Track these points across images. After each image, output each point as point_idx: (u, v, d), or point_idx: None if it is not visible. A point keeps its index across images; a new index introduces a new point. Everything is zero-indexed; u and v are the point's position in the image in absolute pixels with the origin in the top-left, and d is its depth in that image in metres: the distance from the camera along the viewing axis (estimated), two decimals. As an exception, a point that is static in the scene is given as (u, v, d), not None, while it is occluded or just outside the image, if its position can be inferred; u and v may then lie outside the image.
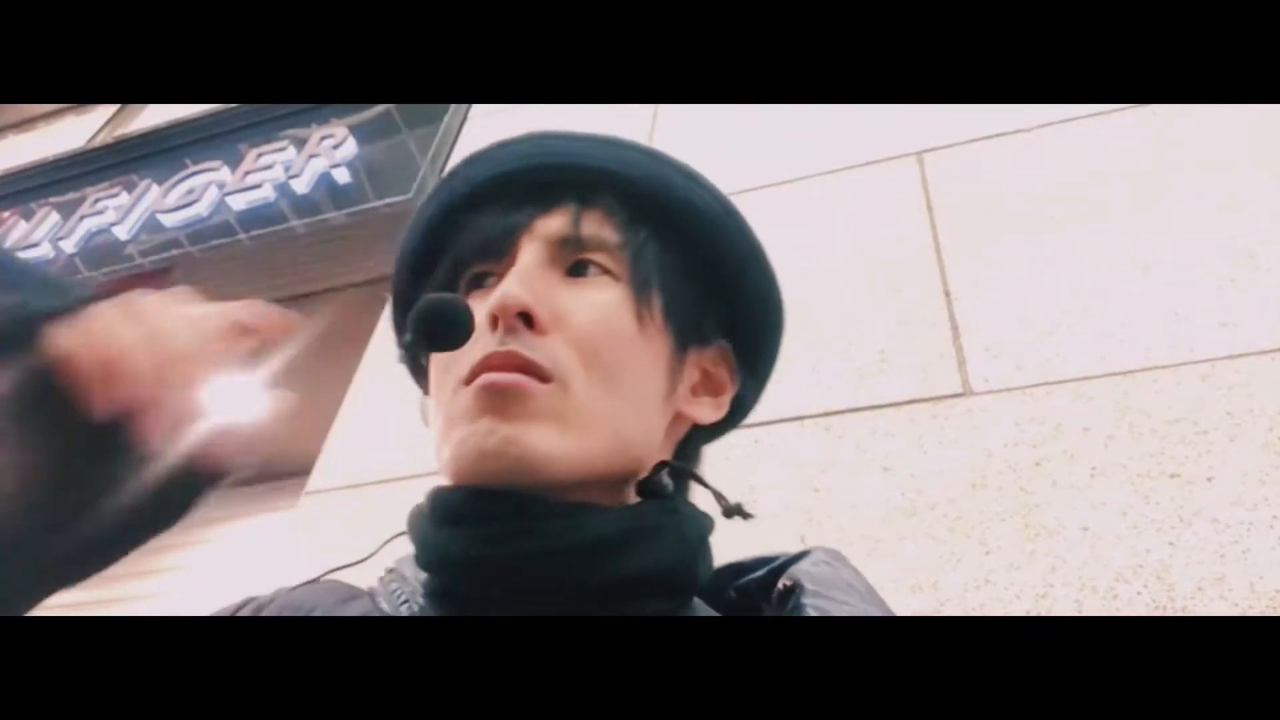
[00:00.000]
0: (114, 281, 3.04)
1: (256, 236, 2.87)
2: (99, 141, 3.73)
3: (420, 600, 0.55)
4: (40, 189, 3.48)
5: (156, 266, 3.00)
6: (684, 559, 0.56)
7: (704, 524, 0.59)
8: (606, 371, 0.55)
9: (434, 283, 0.61)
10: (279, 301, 0.61)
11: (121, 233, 3.07)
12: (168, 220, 3.01)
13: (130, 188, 3.23)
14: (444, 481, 0.56)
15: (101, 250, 3.10)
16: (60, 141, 3.81)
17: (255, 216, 2.90)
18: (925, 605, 1.24)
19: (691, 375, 0.62)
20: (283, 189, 2.90)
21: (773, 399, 1.56)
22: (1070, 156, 1.72)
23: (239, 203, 2.94)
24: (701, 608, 0.59)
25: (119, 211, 3.13)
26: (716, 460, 1.52)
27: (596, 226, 0.58)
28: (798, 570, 0.61)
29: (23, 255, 3.15)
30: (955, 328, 1.55)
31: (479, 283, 0.59)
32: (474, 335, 0.54)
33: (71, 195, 3.36)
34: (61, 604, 0.50)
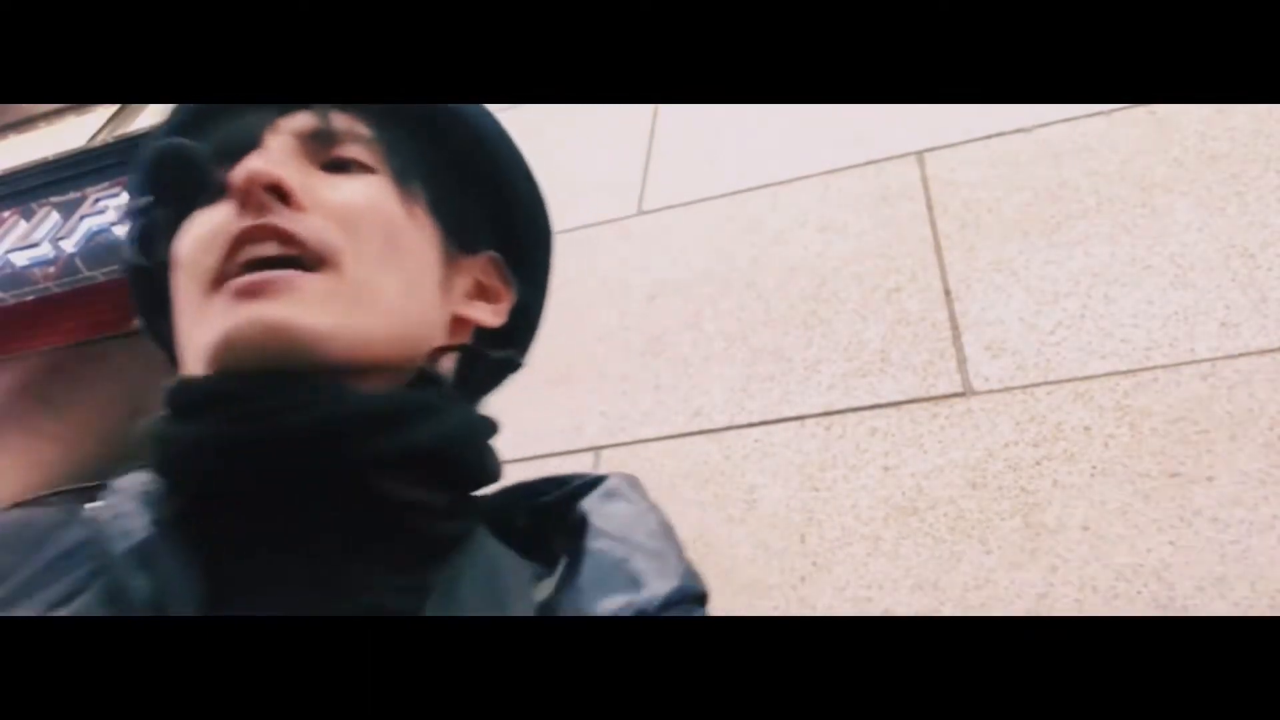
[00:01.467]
0: (116, 281, 3.04)
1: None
2: (99, 141, 3.73)
3: (143, 530, 0.48)
4: (41, 188, 3.48)
5: (157, 266, 2.99)
6: (463, 439, 0.52)
7: (486, 421, 0.55)
8: (379, 248, 0.51)
9: (178, 186, 0.54)
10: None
11: (122, 232, 3.07)
12: (168, 220, 3.01)
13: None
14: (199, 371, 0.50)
15: (102, 250, 3.10)
16: (61, 141, 3.81)
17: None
18: (925, 604, 1.24)
19: (465, 282, 0.59)
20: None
21: (773, 399, 1.57)
22: (1070, 156, 1.72)
23: (240, 202, 2.94)
24: (486, 536, 0.54)
25: (119, 211, 3.13)
26: (716, 460, 1.52)
27: (347, 122, 0.54)
28: (588, 503, 0.57)
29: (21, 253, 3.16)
30: (955, 327, 1.55)
31: (223, 197, 0.52)
32: (223, 223, 0.49)
33: (72, 195, 3.36)
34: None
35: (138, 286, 0.60)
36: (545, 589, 0.52)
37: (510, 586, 0.51)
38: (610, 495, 0.58)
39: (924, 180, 1.81)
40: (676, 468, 1.54)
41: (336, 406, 0.47)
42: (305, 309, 0.47)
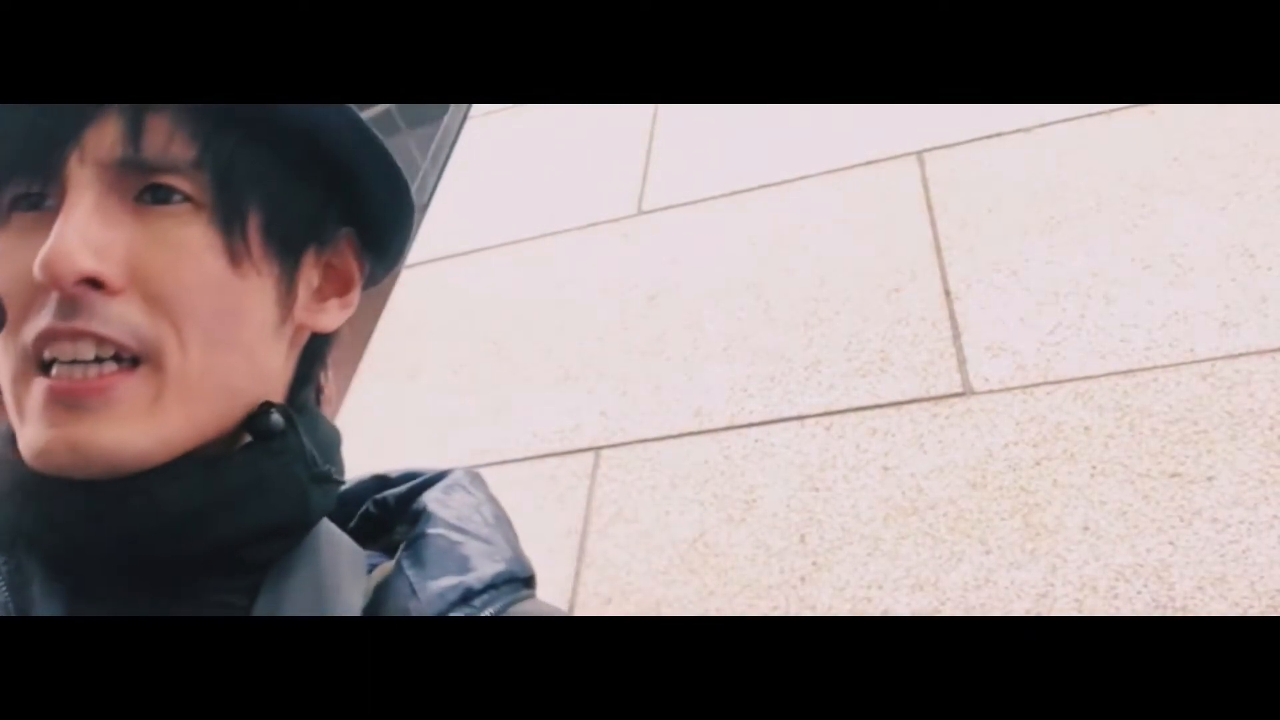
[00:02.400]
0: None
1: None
2: None
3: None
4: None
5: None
6: (290, 502, 0.51)
7: (316, 459, 0.53)
8: (203, 330, 0.48)
9: None
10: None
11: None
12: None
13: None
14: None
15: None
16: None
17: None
18: (925, 604, 1.24)
19: (311, 279, 0.55)
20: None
21: (773, 399, 1.57)
22: (1070, 156, 1.73)
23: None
24: (327, 531, 0.55)
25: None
26: (716, 460, 1.52)
27: (164, 140, 0.47)
28: (430, 495, 0.59)
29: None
30: (955, 327, 1.55)
31: (33, 203, 0.48)
32: (35, 291, 0.45)
33: (72, 195, 3.35)
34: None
35: None
36: (382, 573, 0.55)
37: (340, 580, 0.53)
38: (451, 488, 0.60)
39: (924, 180, 1.82)
40: (677, 468, 1.54)
41: (142, 518, 0.46)
42: (122, 425, 0.46)
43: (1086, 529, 1.23)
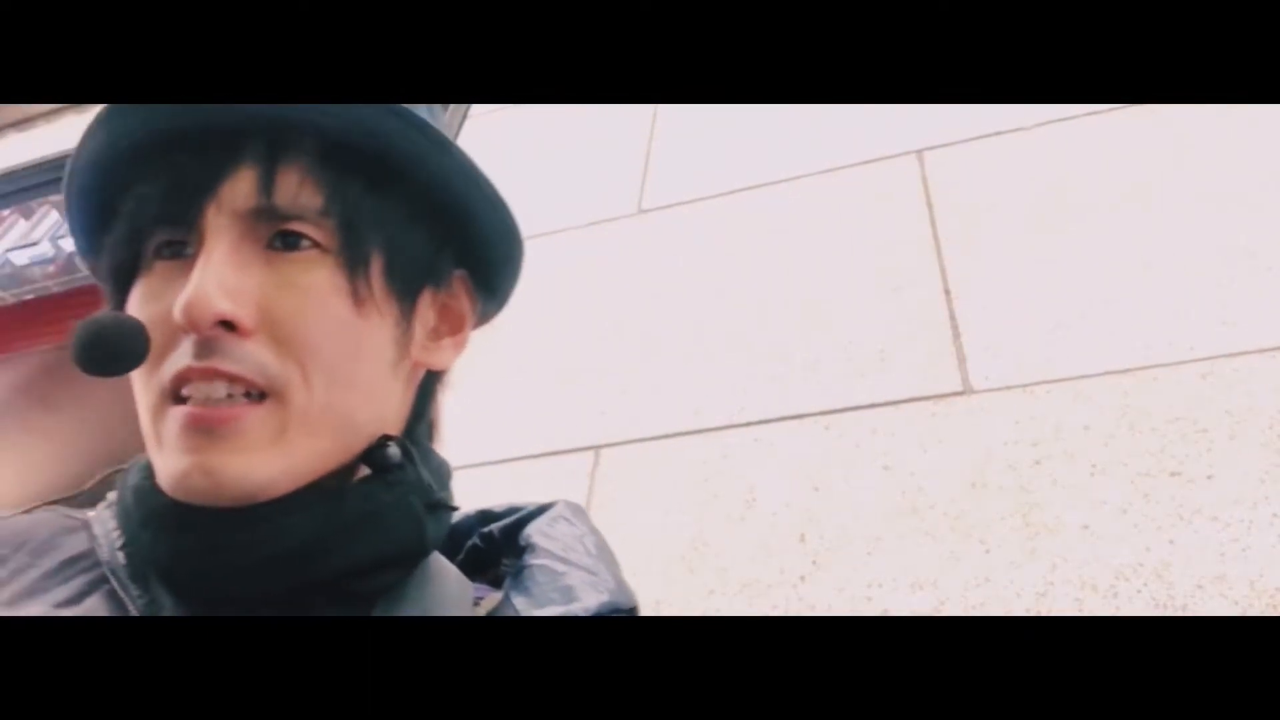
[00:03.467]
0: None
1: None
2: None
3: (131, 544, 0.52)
4: (40, 187, 3.47)
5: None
6: (407, 533, 0.53)
7: (432, 489, 0.56)
8: (326, 369, 0.50)
9: (116, 251, 0.53)
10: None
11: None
12: (168, 219, 3.01)
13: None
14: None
15: (102, 249, 3.10)
16: (61, 140, 3.81)
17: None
18: (925, 604, 1.24)
19: (428, 318, 0.58)
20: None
21: (773, 398, 1.57)
22: (1070, 155, 1.73)
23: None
24: (436, 563, 0.57)
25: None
26: (716, 459, 1.52)
27: (294, 190, 0.50)
28: (535, 526, 0.62)
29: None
30: (955, 326, 1.55)
31: (174, 251, 0.51)
32: (175, 331, 0.48)
33: (72, 194, 3.36)
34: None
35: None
36: (490, 604, 0.57)
37: (448, 611, 0.55)
38: (554, 520, 0.63)
39: (924, 180, 1.81)
40: (677, 467, 1.54)
41: (267, 546, 0.49)
42: (250, 453, 0.48)
43: (1086, 528, 1.23)
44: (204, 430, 0.48)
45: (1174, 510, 1.21)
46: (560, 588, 0.57)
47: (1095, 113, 1.76)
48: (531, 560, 0.59)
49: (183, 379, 0.49)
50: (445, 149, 0.56)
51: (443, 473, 0.59)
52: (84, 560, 0.52)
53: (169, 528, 0.50)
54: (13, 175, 3.56)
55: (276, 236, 0.51)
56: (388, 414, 0.56)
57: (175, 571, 0.50)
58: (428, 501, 0.55)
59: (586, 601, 0.56)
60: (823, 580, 1.30)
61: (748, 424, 1.56)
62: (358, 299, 0.52)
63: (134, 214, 0.51)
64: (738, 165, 2.04)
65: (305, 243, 0.51)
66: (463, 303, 0.61)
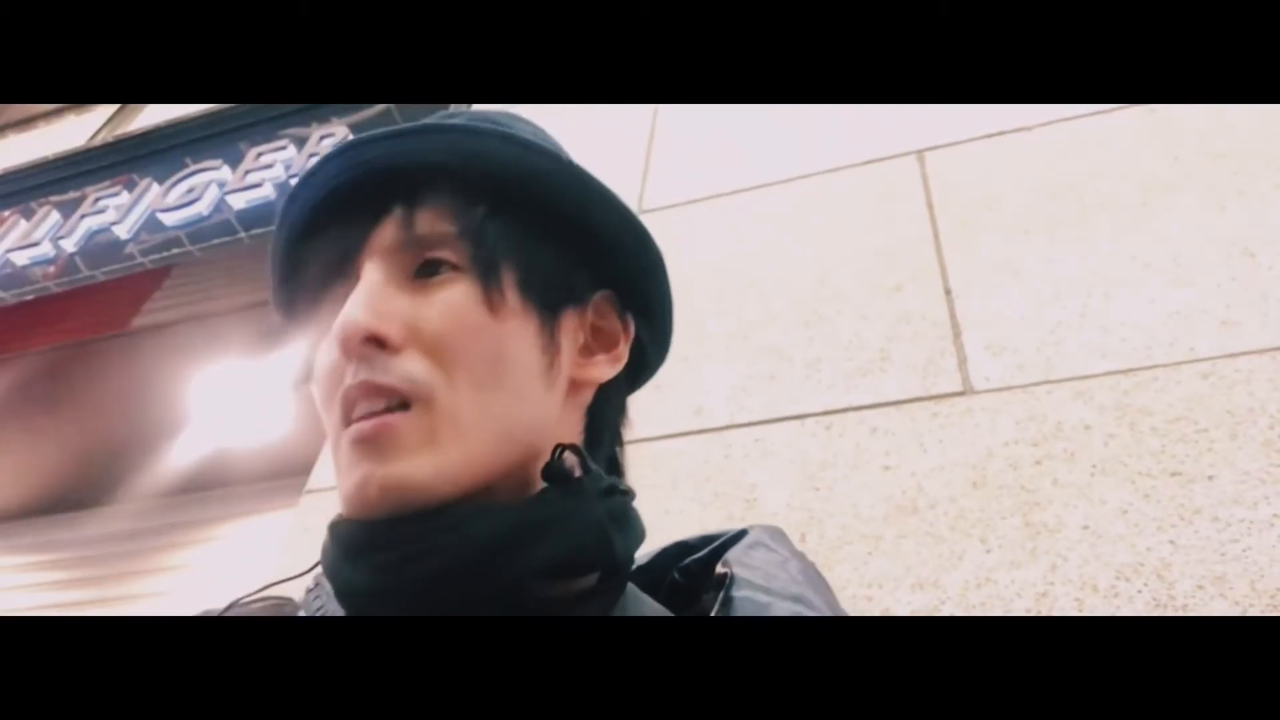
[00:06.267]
0: (116, 281, 3.05)
1: (257, 235, 2.87)
2: (99, 140, 3.73)
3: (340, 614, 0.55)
4: (41, 188, 3.48)
5: (157, 265, 3.00)
6: (591, 540, 0.54)
7: (617, 500, 0.57)
8: (469, 371, 0.54)
9: (304, 305, 0.60)
10: (279, 301, 0.62)
11: (122, 232, 3.08)
12: (168, 219, 3.02)
13: (130, 187, 3.24)
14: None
15: (102, 249, 3.11)
16: (61, 140, 3.82)
17: (255, 215, 2.90)
18: (926, 603, 1.24)
19: (576, 337, 0.60)
20: (283, 188, 2.90)
21: (773, 397, 1.57)
22: (1071, 155, 1.73)
23: (239, 201, 2.94)
24: (635, 595, 0.58)
25: (119, 210, 3.13)
26: (717, 459, 1.52)
27: (430, 222, 0.56)
28: (733, 555, 0.61)
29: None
30: (956, 326, 1.55)
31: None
32: (333, 369, 0.54)
33: (72, 194, 3.37)
34: (62, 603, 0.50)
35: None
36: None
37: None
38: (752, 547, 0.62)
39: (924, 179, 1.81)
40: (677, 467, 1.54)
41: (455, 550, 0.51)
42: (405, 460, 0.51)
43: (1087, 528, 1.23)
44: (365, 442, 0.51)
45: (1174, 510, 1.21)
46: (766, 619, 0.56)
47: (1095, 112, 1.76)
48: (734, 593, 0.57)
49: (348, 402, 0.53)
50: (567, 166, 0.61)
51: (619, 504, 0.59)
52: None
53: (361, 550, 0.52)
54: (13, 175, 3.56)
55: (420, 267, 0.56)
56: (546, 423, 0.57)
57: (372, 592, 0.52)
58: (610, 508, 0.56)
59: None
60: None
61: (748, 423, 1.56)
62: (493, 306, 0.55)
63: (308, 282, 0.58)
64: (738, 165, 2.04)
65: (444, 268, 0.56)
66: (612, 321, 0.63)
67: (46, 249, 3.17)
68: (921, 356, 1.53)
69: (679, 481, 1.51)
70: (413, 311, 0.54)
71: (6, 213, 3.43)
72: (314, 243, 0.59)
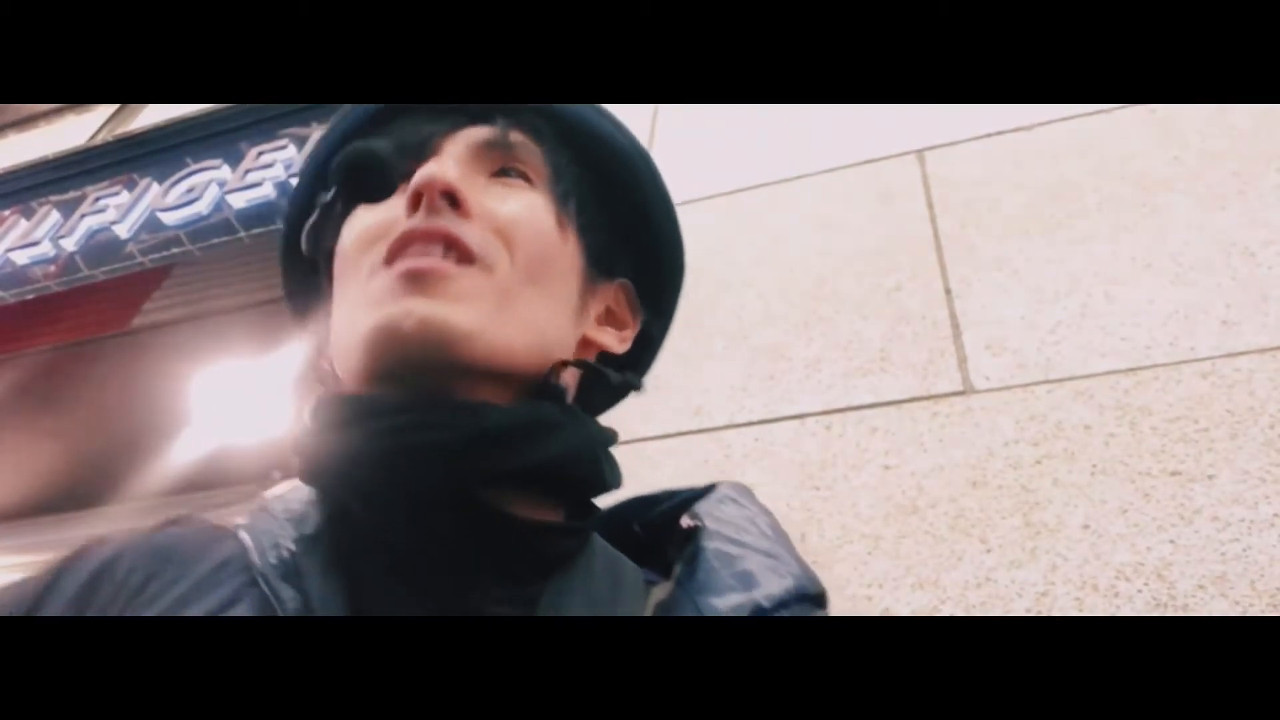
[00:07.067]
0: (117, 280, 3.05)
1: (257, 235, 2.86)
2: (99, 140, 3.73)
3: (290, 544, 0.52)
4: (41, 187, 3.48)
5: (157, 265, 3.00)
6: (587, 452, 0.55)
7: (607, 431, 0.59)
8: (530, 263, 0.55)
9: (349, 175, 0.57)
10: (277, 300, 0.61)
11: (122, 231, 3.07)
12: (168, 219, 3.01)
13: (130, 186, 3.23)
14: (354, 359, 0.53)
15: (102, 248, 3.10)
16: (61, 140, 3.82)
17: (256, 215, 2.90)
18: (926, 603, 1.24)
19: (597, 306, 0.62)
20: (284, 187, 2.90)
21: (773, 397, 1.57)
22: (1071, 155, 1.72)
23: (239, 201, 2.94)
24: (602, 545, 0.57)
25: (119, 210, 3.13)
26: (717, 458, 1.52)
27: (521, 139, 0.58)
28: (701, 508, 0.60)
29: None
30: (956, 325, 1.55)
31: (390, 193, 0.56)
32: (393, 219, 0.53)
33: (72, 193, 3.36)
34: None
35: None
36: (662, 591, 0.54)
37: (619, 596, 0.54)
38: (720, 501, 0.61)
39: (924, 179, 1.81)
40: (677, 466, 1.54)
41: (471, 425, 0.50)
42: (455, 305, 0.51)
43: (1087, 527, 1.23)
44: (418, 279, 0.51)
45: (1175, 510, 1.21)
46: (738, 573, 0.54)
47: (1095, 111, 1.75)
48: (703, 544, 0.56)
49: (404, 241, 0.52)
50: (645, 156, 0.64)
51: (609, 434, 0.60)
52: (232, 564, 0.52)
53: (368, 413, 0.51)
54: (13, 175, 3.56)
55: (500, 170, 0.57)
56: (566, 349, 0.58)
57: (364, 460, 0.50)
58: (603, 435, 0.57)
59: (769, 588, 0.54)
60: (823, 579, 1.30)
61: (748, 423, 1.56)
62: (560, 221, 0.57)
63: (389, 157, 0.56)
64: (737, 164, 2.04)
65: (520, 175, 0.57)
66: (625, 309, 0.65)
67: (46, 248, 3.17)
68: (921, 356, 1.53)
69: (678, 481, 1.50)
70: (487, 195, 0.55)
71: (6, 212, 3.42)
72: (388, 126, 0.58)
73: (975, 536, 1.28)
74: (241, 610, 0.49)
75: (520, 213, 0.55)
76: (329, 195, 0.56)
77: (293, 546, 0.52)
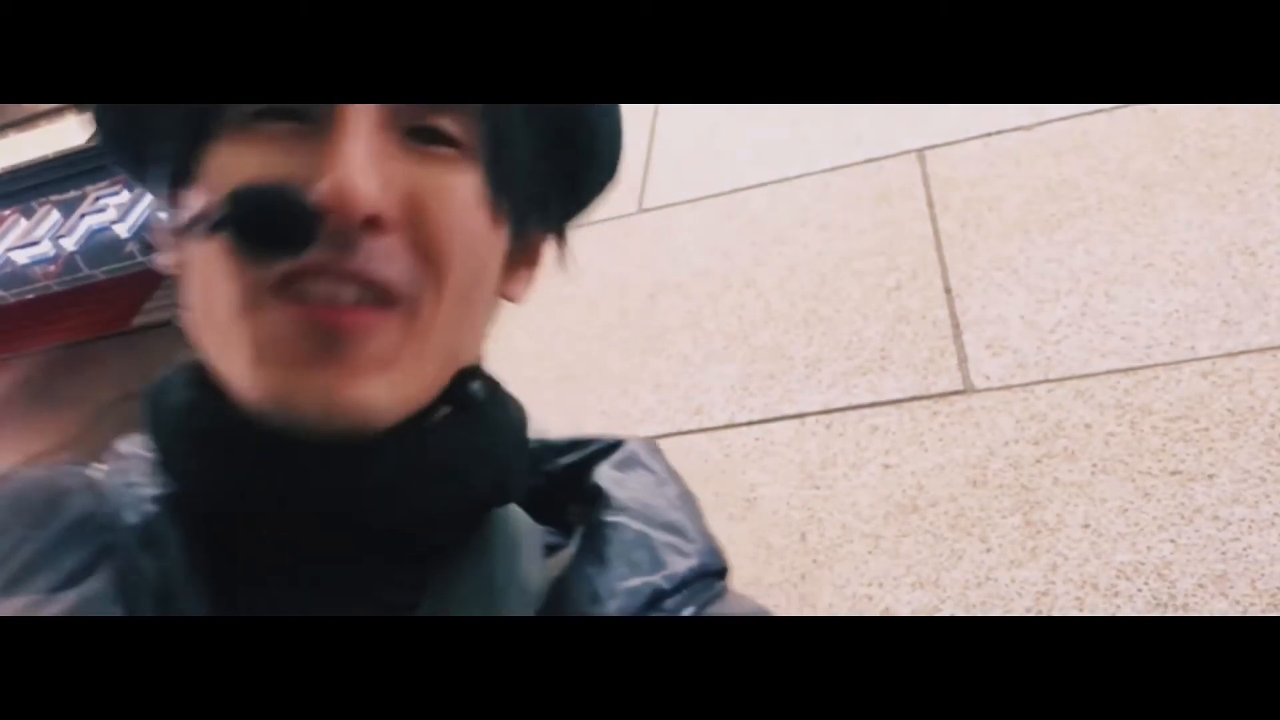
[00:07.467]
0: (117, 280, 3.05)
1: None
2: (100, 140, 3.72)
3: (150, 503, 0.46)
4: (41, 187, 3.48)
5: (157, 265, 2.99)
6: (488, 488, 0.48)
7: (516, 429, 0.51)
8: (460, 284, 0.45)
9: (193, 115, 0.46)
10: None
11: (122, 230, 3.08)
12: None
13: (131, 186, 3.23)
14: (232, 390, 0.43)
15: (102, 248, 3.11)
16: (61, 140, 3.81)
17: (256, 215, 2.89)
18: (926, 602, 1.24)
19: (513, 269, 0.54)
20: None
21: (773, 397, 1.57)
22: (1071, 154, 1.72)
23: (239, 201, 2.94)
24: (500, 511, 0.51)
25: (120, 209, 3.14)
26: (717, 458, 1.52)
27: None
28: (608, 473, 0.54)
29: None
30: (956, 325, 1.55)
31: (289, 115, 0.45)
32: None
33: (72, 193, 3.37)
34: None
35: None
36: (560, 563, 0.49)
37: (515, 571, 0.48)
38: (628, 464, 0.55)
39: (924, 178, 1.81)
40: (677, 466, 1.53)
41: (343, 481, 0.43)
42: (373, 379, 0.42)
43: (1087, 527, 1.23)
44: (328, 335, 0.41)
45: (1175, 509, 1.21)
46: (642, 552, 0.49)
47: (1096, 111, 1.75)
48: (605, 516, 0.50)
49: (310, 272, 0.41)
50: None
51: (522, 415, 0.53)
52: (88, 525, 0.45)
53: (240, 456, 0.43)
54: (13, 174, 3.56)
55: (415, 131, 0.45)
56: (480, 347, 0.50)
57: (230, 505, 0.44)
58: (515, 444, 0.50)
59: (672, 568, 0.49)
60: (823, 579, 1.30)
61: (748, 422, 1.56)
62: (495, 216, 0.47)
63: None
64: (738, 164, 2.04)
65: (444, 146, 0.45)
66: (538, 250, 0.57)
67: (47, 248, 3.17)
68: (921, 355, 1.53)
69: (679, 481, 1.51)
70: (411, 185, 0.44)
71: (7, 212, 3.42)
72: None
73: (975, 536, 1.28)
74: (96, 583, 0.42)
75: (451, 219, 0.44)
76: (226, 229, 0.41)
77: (153, 507, 0.45)
